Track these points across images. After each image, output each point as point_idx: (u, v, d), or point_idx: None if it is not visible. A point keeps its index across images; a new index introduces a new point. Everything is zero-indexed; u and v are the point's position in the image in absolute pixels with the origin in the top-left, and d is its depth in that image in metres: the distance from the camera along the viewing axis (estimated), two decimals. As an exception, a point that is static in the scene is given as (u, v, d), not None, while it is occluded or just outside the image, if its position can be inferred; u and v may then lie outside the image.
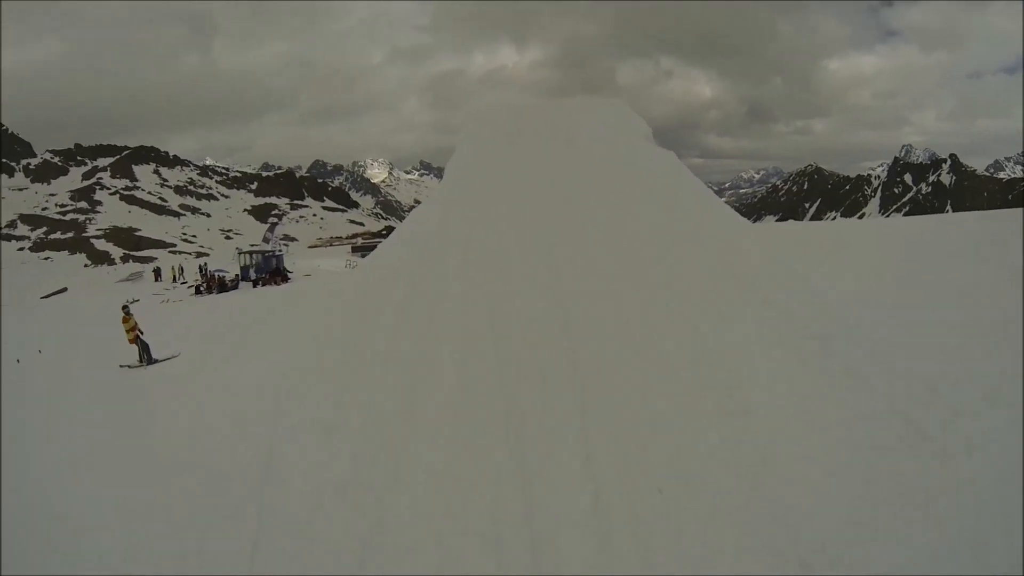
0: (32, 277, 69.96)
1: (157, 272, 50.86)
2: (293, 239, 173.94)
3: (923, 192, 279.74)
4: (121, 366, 16.80)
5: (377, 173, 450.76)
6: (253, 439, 10.42)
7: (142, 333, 17.16)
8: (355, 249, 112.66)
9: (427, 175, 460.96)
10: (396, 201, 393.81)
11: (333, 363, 12.20)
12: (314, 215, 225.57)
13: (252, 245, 55.22)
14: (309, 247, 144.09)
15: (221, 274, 42.43)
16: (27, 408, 15.21)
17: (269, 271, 42.66)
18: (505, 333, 11.22)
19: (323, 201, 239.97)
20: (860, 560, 6.44)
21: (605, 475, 8.00)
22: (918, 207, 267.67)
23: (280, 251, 47.21)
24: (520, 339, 11.00)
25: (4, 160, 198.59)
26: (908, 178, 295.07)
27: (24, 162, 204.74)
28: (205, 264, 49.97)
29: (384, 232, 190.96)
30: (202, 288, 40.12)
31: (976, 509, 6.67)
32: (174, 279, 49.04)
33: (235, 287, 40.60)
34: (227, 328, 18.82)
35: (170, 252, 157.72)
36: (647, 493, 7.60)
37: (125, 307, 17.67)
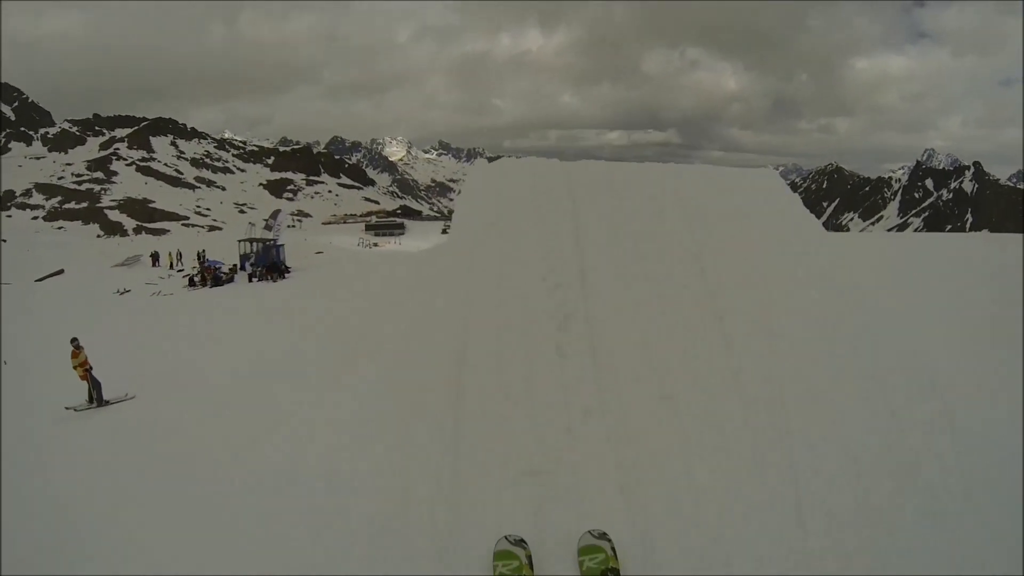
0: (42, 248, 68.80)
1: (155, 257, 49.25)
2: (307, 215, 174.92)
3: (944, 199, 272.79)
4: (67, 408, 14.64)
5: (395, 151, 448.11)
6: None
7: (92, 369, 15.14)
8: (369, 227, 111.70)
9: (445, 155, 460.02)
10: (413, 180, 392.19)
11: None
12: (329, 191, 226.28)
13: (266, 221, 53.29)
14: (323, 223, 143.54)
15: (216, 265, 40.64)
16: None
17: (267, 264, 40.83)
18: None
19: (339, 178, 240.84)
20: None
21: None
22: (938, 214, 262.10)
23: (281, 242, 45.19)
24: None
25: (22, 128, 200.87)
26: (929, 183, 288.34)
27: (42, 131, 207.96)
28: (203, 252, 48.21)
29: (399, 211, 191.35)
30: (196, 280, 38.42)
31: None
32: (171, 265, 47.48)
33: (231, 280, 38.91)
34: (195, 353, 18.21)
35: (183, 225, 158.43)
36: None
37: (74, 340, 15.38)
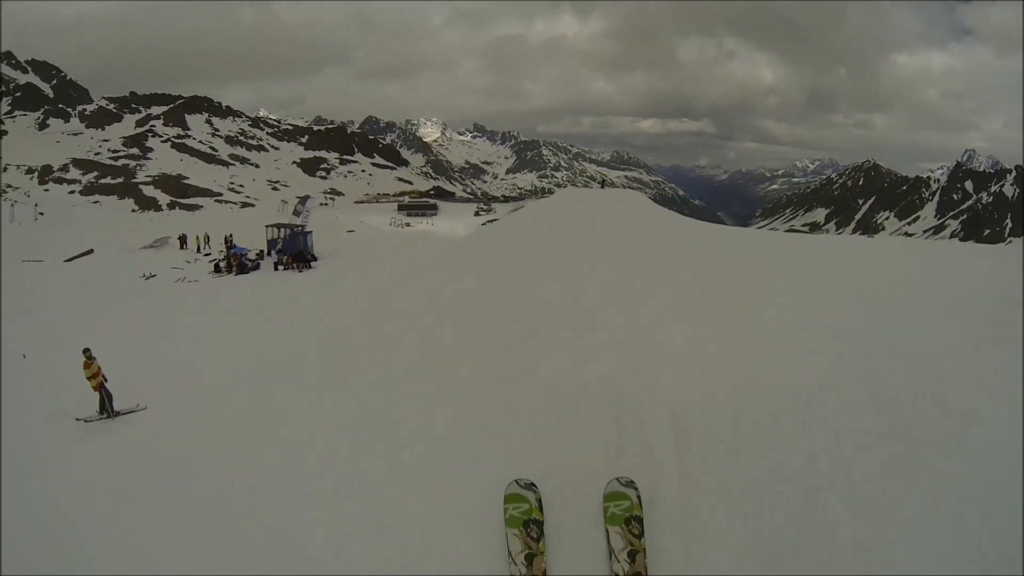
0: (78, 222, 68.66)
1: (183, 240, 48.43)
2: (340, 193, 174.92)
3: (983, 202, 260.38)
4: (78, 420, 14.08)
5: (430, 132, 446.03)
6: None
7: (106, 380, 14.43)
8: (401, 207, 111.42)
9: (480, 138, 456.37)
10: (447, 161, 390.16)
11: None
12: (363, 171, 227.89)
13: (299, 199, 52.44)
14: (355, 202, 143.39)
15: (242, 252, 39.76)
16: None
17: (293, 252, 39.73)
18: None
19: (373, 157, 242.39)
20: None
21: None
22: (976, 217, 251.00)
23: (310, 228, 44.10)
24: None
25: (60, 105, 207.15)
26: (968, 185, 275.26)
27: (80, 108, 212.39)
28: (230, 237, 47.40)
29: (432, 192, 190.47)
30: (221, 266, 37.65)
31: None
32: (198, 248, 46.80)
33: (256, 267, 38.07)
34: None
35: (216, 201, 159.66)
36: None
37: (87, 351, 14.42)
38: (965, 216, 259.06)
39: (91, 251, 47.92)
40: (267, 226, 45.46)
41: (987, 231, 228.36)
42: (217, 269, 37.47)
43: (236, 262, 37.57)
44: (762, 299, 12.08)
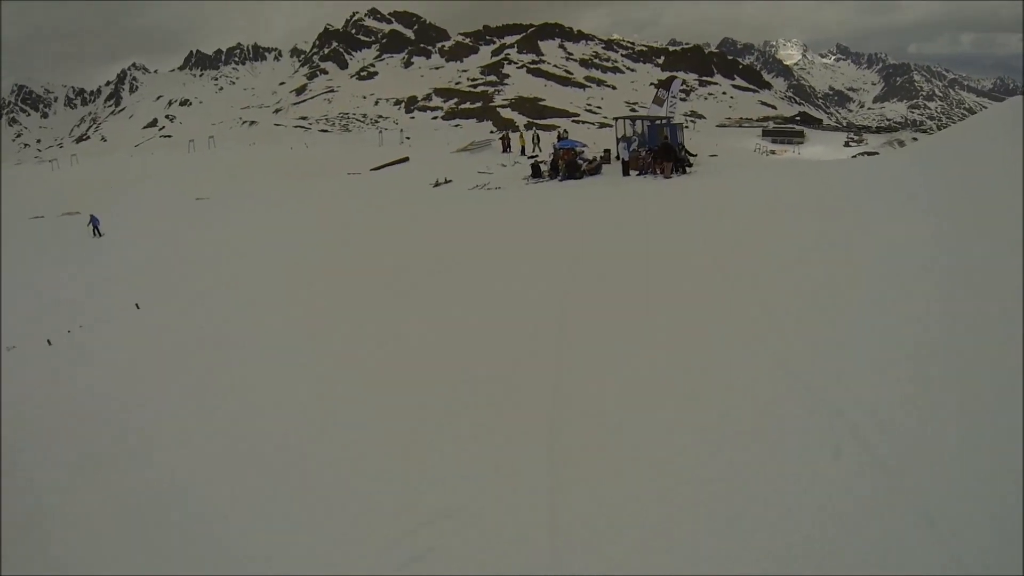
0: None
1: (505, 141, 37.06)
2: (700, 116, 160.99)
3: None
4: None
5: (790, 55, 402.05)
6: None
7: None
8: (766, 133, 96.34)
9: (843, 60, 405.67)
10: (809, 87, 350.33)
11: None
12: (723, 93, 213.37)
13: (658, 83, 39.27)
14: (717, 126, 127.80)
15: (576, 148, 25.92)
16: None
17: (657, 148, 24.40)
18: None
19: (733, 79, 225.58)
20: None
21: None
22: None
23: (678, 120, 28.88)
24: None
25: (422, 45, 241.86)
26: None
27: (439, 45, 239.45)
28: (564, 131, 34.20)
29: (797, 118, 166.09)
30: (543, 168, 24.42)
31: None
32: (523, 151, 34.91)
33: (596, 171, 24.14)
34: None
35: (573, 121, 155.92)
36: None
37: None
38: None
39: (405, 159, 39.80)
40: (615, 119, 31.27)
41: None
42: (535, 173, 24.37)
43: (565, 161, 23.86)
44: None
